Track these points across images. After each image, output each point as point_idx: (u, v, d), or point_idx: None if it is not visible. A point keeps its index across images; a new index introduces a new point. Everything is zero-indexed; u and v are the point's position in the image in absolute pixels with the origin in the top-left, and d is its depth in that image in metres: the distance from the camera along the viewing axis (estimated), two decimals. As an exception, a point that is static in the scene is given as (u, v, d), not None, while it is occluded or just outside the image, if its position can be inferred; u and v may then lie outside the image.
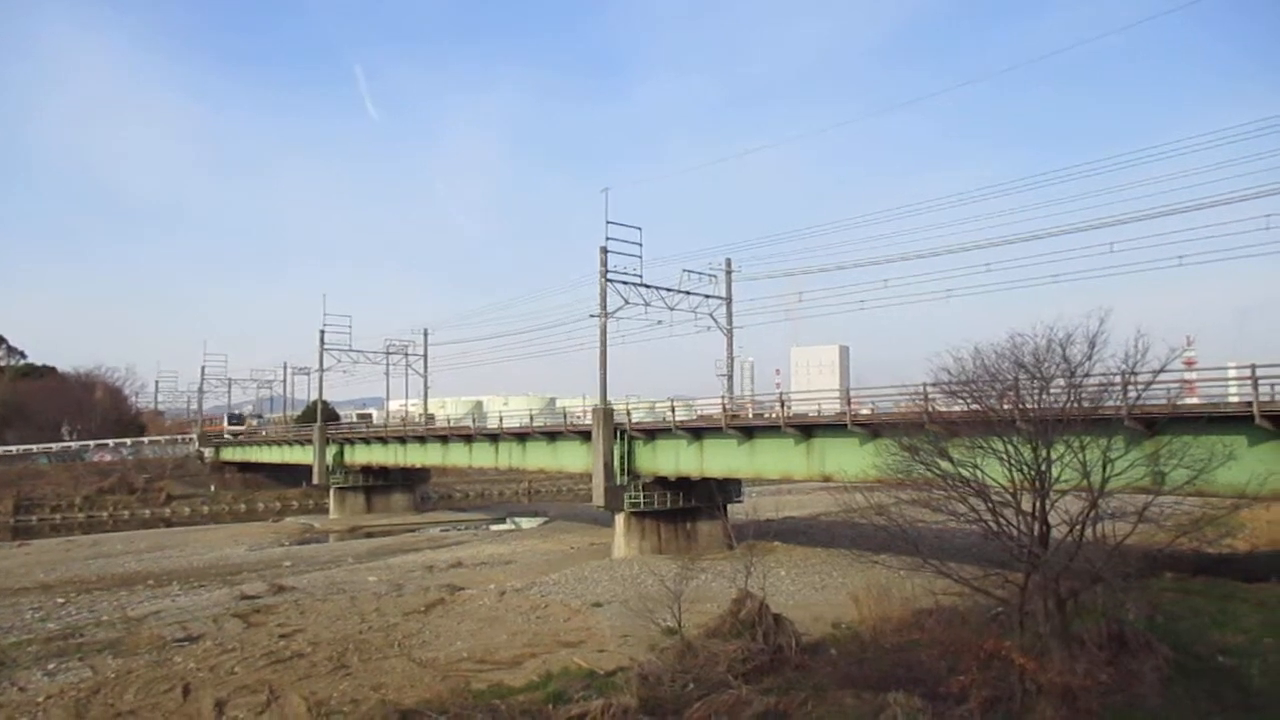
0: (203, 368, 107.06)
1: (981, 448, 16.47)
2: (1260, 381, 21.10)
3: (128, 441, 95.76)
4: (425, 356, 78.04)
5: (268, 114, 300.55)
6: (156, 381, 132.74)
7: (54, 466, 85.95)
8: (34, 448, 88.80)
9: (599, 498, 41.16)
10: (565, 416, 49.45)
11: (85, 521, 72.94)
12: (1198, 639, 16.87)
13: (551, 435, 47.06)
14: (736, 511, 44.99)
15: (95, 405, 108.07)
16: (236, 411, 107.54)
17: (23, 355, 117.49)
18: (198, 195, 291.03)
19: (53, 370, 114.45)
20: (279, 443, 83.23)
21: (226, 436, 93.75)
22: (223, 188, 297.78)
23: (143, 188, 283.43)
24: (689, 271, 45.21)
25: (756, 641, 17.56)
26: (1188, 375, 23.40)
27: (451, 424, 60.32)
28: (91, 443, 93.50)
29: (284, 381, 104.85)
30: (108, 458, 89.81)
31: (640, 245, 42.98)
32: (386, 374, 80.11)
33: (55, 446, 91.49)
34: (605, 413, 40.97)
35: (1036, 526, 15.36)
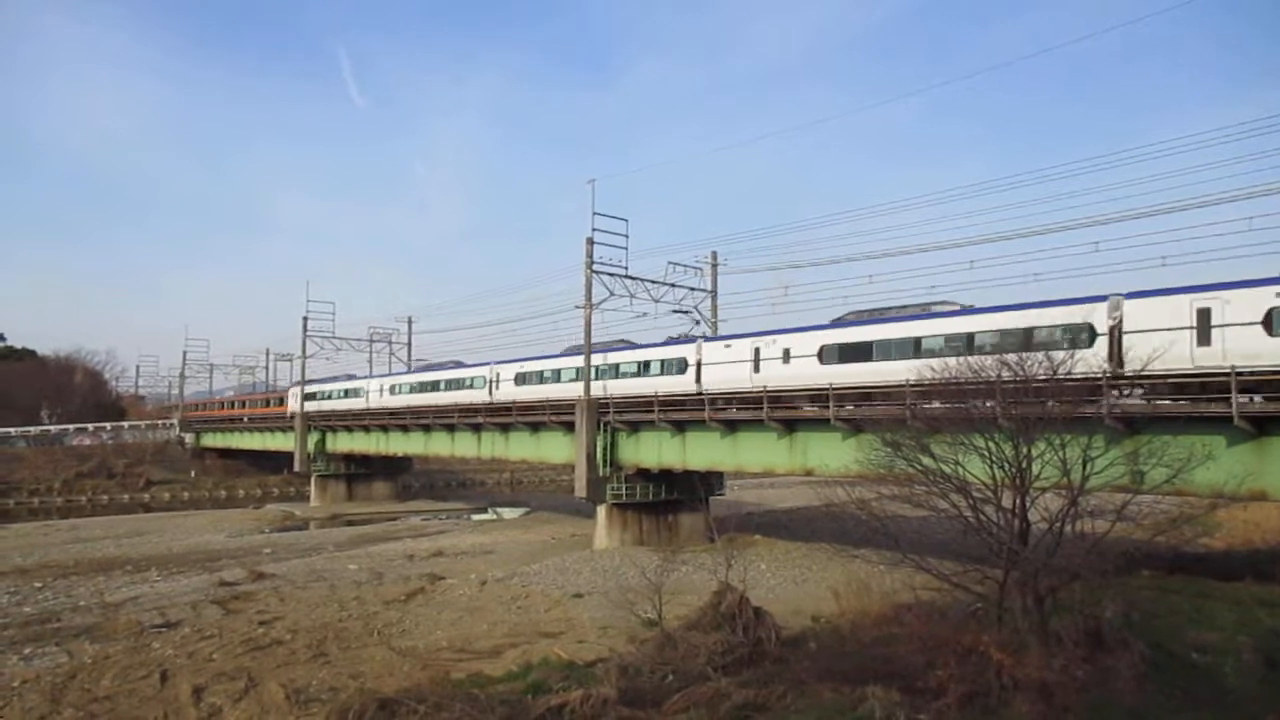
0: (184, 352, 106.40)
1: (963, 444, 16.56)
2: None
3: (108, 426, 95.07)
4: (409, 345, 77.84)
5: (248, 97, 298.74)
6: (137, 366, 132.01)
7: (32, 450, 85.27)
8: (12, 431, 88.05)
9: (581, 489, 41.14)
10: (548, 407, 49.32)
11: (63, 506, 72.47)
12: (1173, 636, 17.02)
13: (535, 426, 46.98)
14: (718, 504, 45.07)
15: (75, 389, 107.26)
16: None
17: (1, 338, 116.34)
18: (179, 179, 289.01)
19: (32, 353, 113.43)
20: (260, 429, 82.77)
21: None
22: (204, 172, 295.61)
23: (122, 171, 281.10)
24: (674, 264, 45.24)
25: (736, 634, 17.60)
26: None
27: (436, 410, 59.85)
28: (71, 427, 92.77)
29: (266, 368, 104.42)
30: (87, 442, 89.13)
31: (626, 237, 42.99)
32: (370, 362, 79.76)
33: (34, 430, 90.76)
34: (589, 404, 40.94)
35: (1016, 523, 15.46)
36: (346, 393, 71.85)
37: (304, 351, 75.82)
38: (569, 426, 42.85)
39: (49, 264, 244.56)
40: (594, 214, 41.78)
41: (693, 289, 46.31)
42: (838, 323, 34.08)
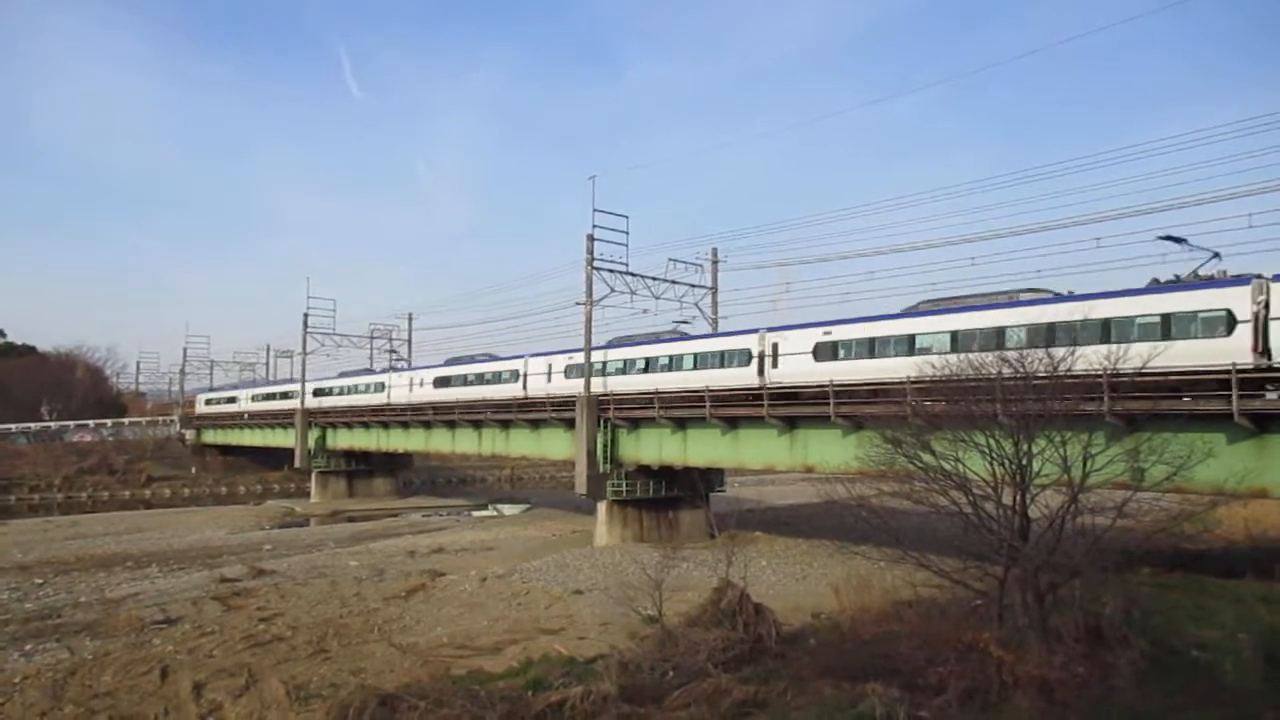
0: (185, 349, 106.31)
1: (964, 441, 16.53)
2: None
3: (108, 422, 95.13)
4: (410, 341, 77.83)
5: (247, 93, 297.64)
6: (138, 362, 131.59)
7: (33, 446, 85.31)
8: (13, 427, 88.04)
9: (582, 485, 41.18)
10: (550, 403, 49.31)
11: (64, 502, 72.58)
12: (1173, 633, 17.00)
13: (535, 422, 46.99)
14: (719, 501, 45.09)
15: (75, 385, 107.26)
16: None
17: (2, 334, 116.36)
18: (179, 175, 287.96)
19: (32, 350, 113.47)
20: (261, 425, 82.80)
21: None
22: (205, 168, 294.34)
23: (123, 167, 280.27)
24: (675, 261, 45.31)
25: (737, 631, 17.59)
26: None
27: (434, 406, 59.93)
28: (71, 423, 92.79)
29: (266, 365, 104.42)
30: (88, 438, 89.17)
31: (627, 234, 43.10)
32: (370, 359, 79.74)
33: (34, 426, 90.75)
34: (589, 400, 40.95)
35: (1016, 520, 15.44)
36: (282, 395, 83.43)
37: (304, 348, 75.86)
38: (570, 423, 42.87)
39: (50, 260, 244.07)
40: (594, 210, 41.94)
41: (693, 286, 46.37)
42: (449, 361, 59.17)
